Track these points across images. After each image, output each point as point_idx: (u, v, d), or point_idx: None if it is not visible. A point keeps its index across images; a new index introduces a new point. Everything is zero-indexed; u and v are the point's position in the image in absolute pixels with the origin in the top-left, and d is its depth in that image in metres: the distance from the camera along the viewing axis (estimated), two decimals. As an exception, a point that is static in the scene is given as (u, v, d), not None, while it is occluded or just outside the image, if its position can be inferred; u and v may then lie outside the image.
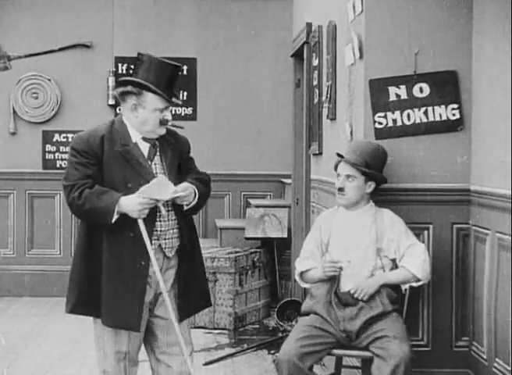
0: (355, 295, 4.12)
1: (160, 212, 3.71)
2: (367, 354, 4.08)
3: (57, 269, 8.20)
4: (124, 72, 8.23)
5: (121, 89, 3.78)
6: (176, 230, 3.85)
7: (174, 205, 3.80)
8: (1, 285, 8.20)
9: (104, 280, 3.75)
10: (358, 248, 4.22)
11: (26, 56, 8.14)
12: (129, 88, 3.74)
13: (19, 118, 8.22)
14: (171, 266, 3.88)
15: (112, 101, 8.16)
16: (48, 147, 8.26)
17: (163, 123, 3.79)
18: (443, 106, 4.59)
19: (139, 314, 3.75)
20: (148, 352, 3.98)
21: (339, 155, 4.36)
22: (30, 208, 8.29)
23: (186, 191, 3.74)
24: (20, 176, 8.23)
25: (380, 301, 4.13)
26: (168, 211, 3.81)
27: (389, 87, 4.57)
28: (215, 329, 6.82)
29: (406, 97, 4.58)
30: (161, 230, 3.81)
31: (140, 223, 3.69)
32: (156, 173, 3.80)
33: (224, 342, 6.44)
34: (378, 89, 4.56)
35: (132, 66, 8.22)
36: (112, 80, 8.16)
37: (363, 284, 4.13)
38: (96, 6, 8.23)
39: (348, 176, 4.23)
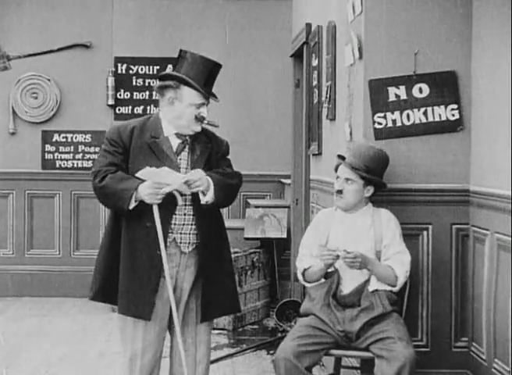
0: (347, 256, 4.04)
1: (177, 201, 3.72)
2: (367, 354, 4.07)
3: (56, 270, 8.21)
4: (124, 72, 8.24)
5: (160, 83, 3.85)
6: (193, 226, 3.85)
7: (193, 201, 3.81)
8: (1, 285, 8.19)
9: (121, 269, 3.81)
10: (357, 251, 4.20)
11: (26, 56, 8.14)
12: (167, 82, 3.81)
13: (19, 118, 8.22)
14: (190, 264, 3.88)
15: (111, 102, 8.16)
16: (48, 147, 8.26)
17: (198, 119, 3.82)
18: (443, 107, 4.59)
19: (151, 302, 3.77)
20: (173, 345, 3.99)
21: (341, 157, 4.35)
22: (30, 208, 8.28)
23: (195, 176, 3.74)
24: (20, 176, 8.23)
25: (380, 303, 4.12)
26: (186, 205, 3.83)
27: (389, 88, 4.57)
28: (214, 329, 6.80)
29: (405, 97, 4.58)
30: (175, 224, 3.82)
31: (155, 209, 3.71)
32: (180, 167, 3.84)
33: (223, 342, 6.44)
34: (377, 89, 4.56)
35: (131, 67, 8.24)
36: (111, 80, 8.16)
37: (362, 256, 4.08)
38: (95, 6, 8.23)
39: (347, 180, 4.22)
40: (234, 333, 6.72)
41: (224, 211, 8.31)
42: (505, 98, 4.14)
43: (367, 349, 4.06)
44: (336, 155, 4.43)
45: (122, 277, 3.81)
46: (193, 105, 3.81)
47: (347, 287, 4.18)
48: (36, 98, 8.19)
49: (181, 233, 3.84)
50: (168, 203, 3.75)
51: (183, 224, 3.83)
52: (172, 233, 3.82)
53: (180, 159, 3.86)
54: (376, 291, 4.14)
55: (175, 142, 3.87)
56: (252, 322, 7.07)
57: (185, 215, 3.83)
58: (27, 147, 8.25)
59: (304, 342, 4.00)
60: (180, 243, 3.84)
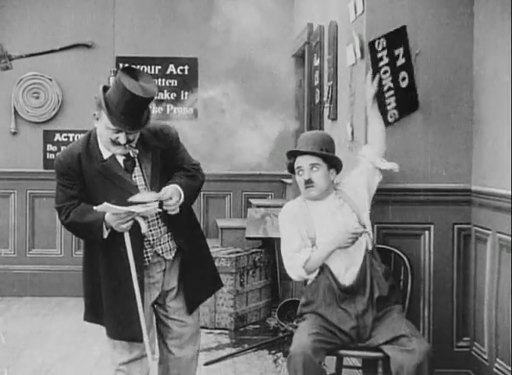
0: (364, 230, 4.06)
1: (141, 229, 3.69)
2: (377, 354, 4.00)
3: (58, 269, 8.21)
4: (125, 72, 8.23)
5: (96, 95, 3.71)
6: (169, 234, 3.89)
7: (161, 211, 3.77)
8: (2, 285, 8.19)
9: (104, 294, 3.82)
10: None
11: (27, 56, 8.14)
12: (97, 99, 3.69)
13: (20, 118, 8.22)
14: (174, 267, 3.95)
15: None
16: (49, 146, 8.26)
17: (116, 143, 3.70)
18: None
19: (139, 324, 3.78)
20: (160, 344, 4.06)
21: (291, 153, 4.26)
22: (31, 207, 8.28)
23: (167, 195, 3.69)
24: (21, 175, 8.23)
25: (377, 287, 4.09)
26: (157, 219, 3.84)
27: (391, 88, 4.57)
28: (215, 329, 6.82)
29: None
30: (153, 239, 3.85)
31: (126, 236, 3.70)
32: (137, 185, 3.77)
33: (225, 342, 6.44)
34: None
35: (133, 66, 8.23)
36: (112, 80, 8.15)
37: None
38: (97, 6, 8.23)
39: (312, 166, 4.15)
40: (236, 333, 6.72)
41: (226, 211, 8.32)
42: (506, 98, 4.13)
43: (376, 348, 4.01)
44: (287, 152, 4.30)
45: (105, 303, 3.83)
46: (109, 129, 3.68)
47: (347, 279, 4.13)
48: (37, 97, 8.19)
49: (160, 245, 3.88)
50: (137, 224, 3.73)
51: (160, 236, 3.87)
52: (152, 247, 3.85)
53: (135, 177, 3.80)
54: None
55: (121, 160, 3.79)
56: (254, 322, 7.07)
57: (159, 228, 3.86)
58: (29, 146, 8.25)
59: (318, 338, 3.94)
60: (163, 253, 3.88)
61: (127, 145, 3.70)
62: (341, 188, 4.28)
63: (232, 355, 6.03)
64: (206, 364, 5.76)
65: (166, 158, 3.86)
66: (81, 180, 3.75)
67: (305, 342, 3.91)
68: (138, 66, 8.25)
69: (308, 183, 4.15)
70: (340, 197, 4.24)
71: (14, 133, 8.22)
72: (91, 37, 8.23)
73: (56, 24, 8.19)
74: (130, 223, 3.66)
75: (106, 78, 8.18)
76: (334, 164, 4.20)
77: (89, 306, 3.94)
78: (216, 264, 6.74)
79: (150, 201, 3.65)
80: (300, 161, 4.19)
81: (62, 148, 8.18)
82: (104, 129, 3.69)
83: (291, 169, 4.27)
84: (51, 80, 8.18)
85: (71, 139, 8.19)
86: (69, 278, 8.15)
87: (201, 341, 6.30)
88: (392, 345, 3.93)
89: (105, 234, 3.69)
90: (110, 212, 3.64)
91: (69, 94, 8.25)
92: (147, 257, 3.84)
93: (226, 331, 6.76)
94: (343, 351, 4.09)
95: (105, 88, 3.74)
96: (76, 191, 3.75)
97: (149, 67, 8.26)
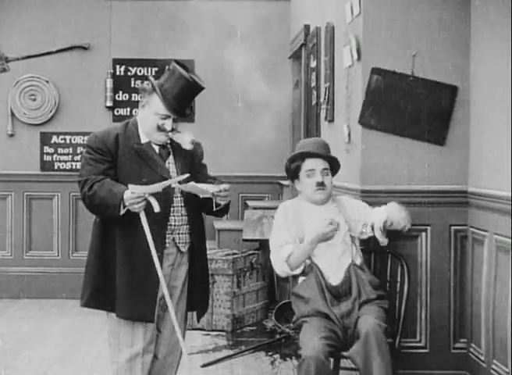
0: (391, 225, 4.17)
1: (154, 208, 3.72)
2: None
3: (55, 271, 8.19)
4: (122, 74, 8.23)
5: (140, 85, 3.93)
6: (187, 226, 3.94)
7: (186, 201, 3.90)
8: (-1, 287, 8.20)
9: (119, 274, 3.82)
10: (337, 241, 4.21)
11: (24, 58, 8.13)
12: (145, 86, 3.89)
13: (17, 120, 8.21)
14: (183, 263, 3.98)
15: (109, 103, 8.16)
16: (46, 148, 8.25)
17: (161, 129, 3.86)
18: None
19: (153, 305, 3.83)
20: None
21: (306, 153, 4.29)
22: (28, 209, 8.27)
23: (221, 187, 3.80)
24: (18, 177, 8.22)
25: (364, 290, 4.14)
26: (181, 206, 3.90)
27: (387, 89, 4.57)
28: (212, 331, 6.81)
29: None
30: (174, 225, 3.89)
31: (142, 216, 3.73)
32: (170, 170, 3.89)
33: (222, 344, 6.43)
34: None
35: (130, 68, 8.24)
36: (109, 82, 8.15)
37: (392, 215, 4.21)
38: (94, 8, 8.22)
39: (324, 170, 4.26)
40: (233, 335, 6.72)
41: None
42: (504, 99, 4.14)
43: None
44: (299, 153, 4.33)
45: (121, 283, 3.83)
46: (157, 115, 3.86)
47: (334, 279, 4.18)
48: (34, 99, 8.18)
49: (179, 234, 3.92)
50: (165, 205, 3.80)
51: (181, 224, 3.91)
52: (171, 234, 3.89)
53: (169, 163, 3.93)
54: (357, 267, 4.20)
55: (156, 148, 3.93)
56: (251, 323, 7.06)
57: (181, 216, 3.92)
58: (26, 149, 8.24)
59: (328, 343, 3.97)
60: (179, 243, 3.93)
61: (170, 133, 3.87)
62: (339, 198, 4.37)
63: (229, 357, 6.02)
64: (203, 366, 5.76)
65: (194, 164, 4.03)
66: (113, 158, 3.84)
67: (318, 345, 3.93)
68: (134, 68, 8.25)
69: (321, 185, 4.24)
70: (337, 206, 4.32)
71: (11, 136, 8.21)
72: (88, 39, 8.22)
73: (53, 26, 8.18)
74: (142, 204, 3.70)
75: (103, 80, 8.18)
76: (335, 171, 4.32)
77: (94, 292, 3.89)
78: (213, 266, 6.78)
79: (204, 193, 3.75)
80: (312, 164, 4.26)
81: (59, 149, 8.20)
82: (152, 115, 3.86)
83: (294, 171, 4.29)
84: (47, 82, 8.17)
85: (68, 141, 8.19)
86: (66, 280, 8.14)
87: (198, 342, 6.33)
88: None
89: (122, 211, 3.71)
90: (137, 191, 3.68)
91: (66, 96, 8.24)
92: (167, 242, 3.88)
93: (223, 333, 6.76)
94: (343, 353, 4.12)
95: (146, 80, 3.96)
96: (106, 167, 3.82)
97: (145, 69, 8.26)
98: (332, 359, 4.12)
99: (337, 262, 4.20)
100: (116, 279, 3.83)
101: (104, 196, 3.74)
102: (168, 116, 3.86)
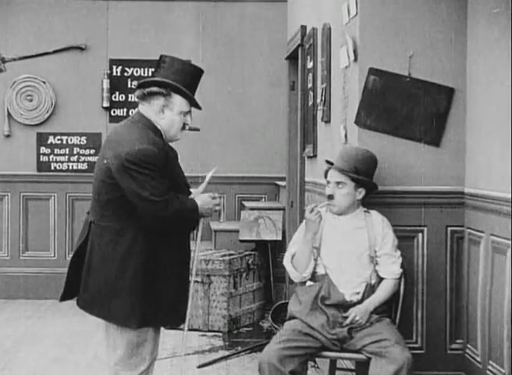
0: (353, 323, 4.09)
1: (219, 215, 3.77)
2: (360, 356, 4.06)
3: (51, 272, 8.19)
4: (119, 74, 8.23)
5: (148, 90, 3.66)
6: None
7: None
8: (-4, 287, 8.19)
9: (166, 286, 3.69)
10: (352, 255, 4.20)
11: (21, 58, 8.13)
12: (157, 89, 3.66)
13: (14, 120, 8.21)
14: None
15: (106, 104, 8.15)
16: (43, 149, 8.25)
17: (184, 127, 3.75)
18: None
19: (185, 308, 3.84)
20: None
21: (329, 162, 4.35)
22: (25, 210, 8.27)
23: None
24: (15, 178, 8.22)
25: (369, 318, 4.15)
26: None
27: (384, 90, 4.57)
28: (209, 331, 6.81)
29: (400, 99, 4.59)
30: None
31: (200, 222, 3.78)
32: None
33: (218, 345, 6.43)
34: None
35: (126, 69, 8.23)
36: (106, 83, 8.15)
37: (357, 316, 4.09)
38: (90, 9, 8.22)
39: (338, 183, 4.22)
40: (229, 336, 6.72)
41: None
42: (501, 99, 4.14)
43: (360, 351, 4.04)
44: (325, 160, 4.42)
45: (168, 293, 3.69)
46: (182, 113, 3.70)
47: (346, 295, 4.17)
48: (31, 100, 8.18)
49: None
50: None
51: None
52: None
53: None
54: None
55: None
56: (247, 324, 7.07)
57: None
58: (22, 149, 8.24)
59: (288, 346, 3.98)
60: None
61: (187, 126, 3.78)
62: (372, 214, 4.31)
63: (225, 358, 6.03)
64: (199, 367, 5.76)
65: None
66: (166, 172, 3.63)
67: (272, 351, 3.96)
68: (131, 69, 8.25)
69: (329, 198, 4.23)
70: (364, 219, 4.28)
71: (7, 136, 8.20)
72: (85, 40, 8.23)
73: (50, 27, 8.18)
74: (220, 206, 3.78)
75: (99, 80, 8.18)
76: (364, 184, 4.24)
77: (146, 311, 3.67)
78: (210, 266, 6.79)
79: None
80: (330, 174, 4.27)
81: (56, 150, 8.19)
82: (177, 115, 3.69)
83: (326, 176, 4.33)
84: (44, 82, 8.17)
85: (64, 142, 8.19)
86: (62, 281, 8.11)
87: (195, 343, 6.33)
88: (373, 347, 3.97)
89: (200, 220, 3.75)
90: (201, 197, 3.71)
91: (63, 96, 8.24)
92: None
93: (220, 334, 6.76)
94: (327, 353, 4.12)
95: (142, 84, 3.73)
96: (169, 182, 3.62)
97: (142, 70, 8.26)
98: (297, 363, 4.02)
99: (352, 278, 4.19)
100: (161, 291, 3.68)
101: (186, 210, 3.64)
102: (189, 111, 3.73)
